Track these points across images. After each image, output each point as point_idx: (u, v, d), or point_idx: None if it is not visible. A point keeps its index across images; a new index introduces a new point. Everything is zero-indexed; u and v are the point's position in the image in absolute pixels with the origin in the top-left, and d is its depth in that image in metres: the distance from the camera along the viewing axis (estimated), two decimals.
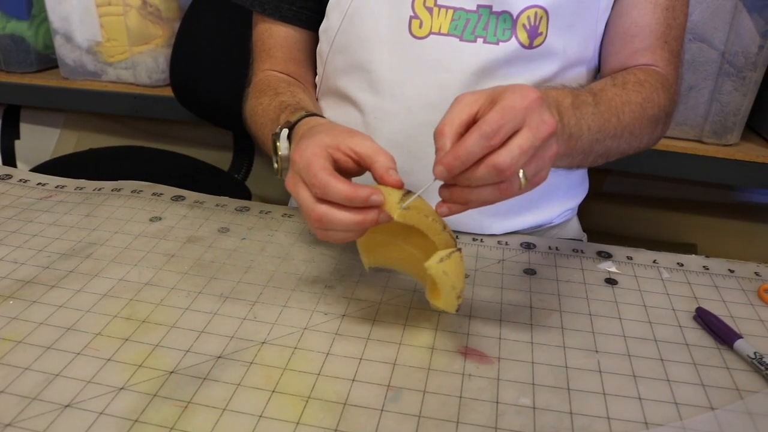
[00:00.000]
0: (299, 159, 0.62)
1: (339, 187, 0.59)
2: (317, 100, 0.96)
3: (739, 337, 0.67)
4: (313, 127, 0.69)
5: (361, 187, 0.59)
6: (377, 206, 0.60)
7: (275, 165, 0.75)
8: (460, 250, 0.62)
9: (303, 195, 0.62)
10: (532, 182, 0.61)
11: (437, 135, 0.60)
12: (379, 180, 0.62)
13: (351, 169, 0.64)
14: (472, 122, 0.60)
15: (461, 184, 0.60)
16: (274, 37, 0.93)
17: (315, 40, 0.92)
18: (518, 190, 0.60)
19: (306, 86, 0.95)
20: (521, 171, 0.58)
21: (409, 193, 0.62)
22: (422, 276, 0.69)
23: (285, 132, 0.73)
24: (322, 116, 0.76)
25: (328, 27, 0.87)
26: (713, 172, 1.37)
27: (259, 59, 0.96)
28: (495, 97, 0.59)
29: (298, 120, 0.74)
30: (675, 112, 0.88)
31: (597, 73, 0.90)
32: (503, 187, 0.59)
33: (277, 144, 0.73)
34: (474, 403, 0.59)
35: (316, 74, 0.96)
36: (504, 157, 0.56)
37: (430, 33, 0.81)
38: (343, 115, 0.90)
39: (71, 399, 0.58)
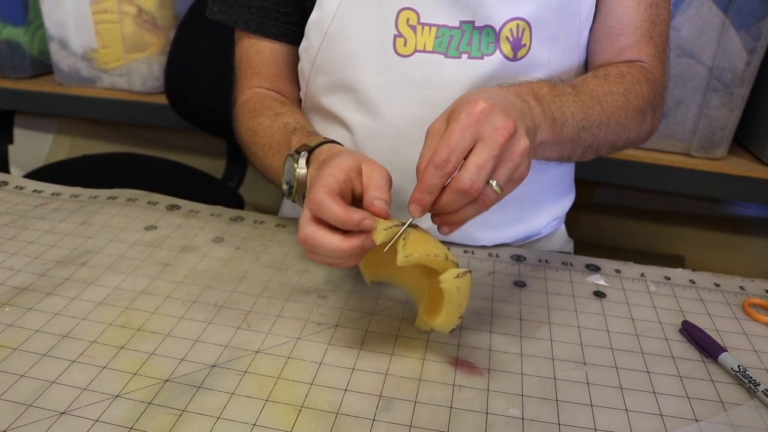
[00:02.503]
0: (318, 176, 0.64)
1: (332, 207, 0.60)
2: None
3: (724, 350, 0.69)
4: (336, 153, 0.70)
5: (355, 211, 0.61)
6: (368, 231, 0.61)
7: (284, 186, 0.76)
8: (469, 272, 0.63)
9: (304, 213, 0.63)
10: (513, 181, 0.63)
11: (417, 174, 0.62)
12: (365, 208, 0.63)
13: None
14: None
15: (441, 212, 0.63)
16: (260, 53, 0.93)
17: None
18: (496, 198, 0.62)
19: (297, 105, 0.95)
20: (492, 181, 0.60)
21: (400, 225, 0.64)
22: (419, 293, 0.70)
23: (305, 155, 0.74)
24: (340, 144, 0.77)
25: (308, 46, 0.87)
26: (701, 185, 1.39)
27: (245, 76, 0.95)
28: (450, 119, 0.62)
29: (318, 145, 0.75)
30: (663, 106, 0.89)
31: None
32: (479, 201, 0.61)
33: (295, 165, 0.74)
34: (464, 413, 0.60)
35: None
36: (464, 179, 0.59)
37: (415, 51, 0.81)
38: (330, 133, 0.90)
39: (67, 406, 0.59)
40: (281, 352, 0.67)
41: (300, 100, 0.97)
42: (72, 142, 2.09)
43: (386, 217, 0.63)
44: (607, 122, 0.79)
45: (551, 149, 0.74)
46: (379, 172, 0.65)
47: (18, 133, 2.11)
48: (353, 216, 0.60)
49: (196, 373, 0.64)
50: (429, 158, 0.60)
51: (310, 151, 0.74)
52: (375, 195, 0.63)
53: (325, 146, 0.75)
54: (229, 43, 0.98)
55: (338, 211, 0.60)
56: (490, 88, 0.67)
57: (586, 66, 0.91)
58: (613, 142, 0.82)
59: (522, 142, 0.61)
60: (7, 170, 2.07)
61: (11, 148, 2.11)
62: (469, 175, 0.59)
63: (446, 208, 0.62)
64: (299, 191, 0.74)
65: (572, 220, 1.05)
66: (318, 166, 0.71)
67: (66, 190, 1.00)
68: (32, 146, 2.11)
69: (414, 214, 0.62)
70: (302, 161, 0.74)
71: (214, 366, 0.65)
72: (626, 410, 0.62)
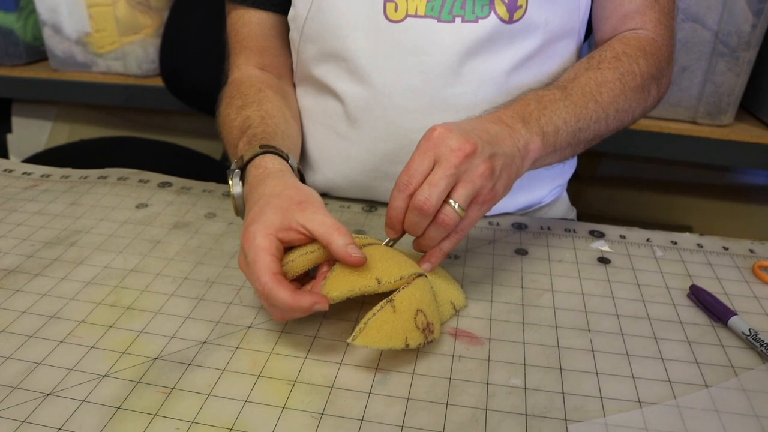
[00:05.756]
0: (248, 247, 0.60)
1: (281, 295, 0.58)
2: (295, 86, 0.94)
3: (734, 314, 0.66)
4: (262, 182, 0.68)
5: (304, 295, 0.59)
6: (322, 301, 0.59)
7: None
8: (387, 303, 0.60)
9: (260, 262, 0.60)
10: (478, 203, 0.64)
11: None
12: (340, 260, 0.61)
13: (304, 242, 0.63)
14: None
15: (411, 233, 0.65)
16: (247, 26, 0.90)
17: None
18: (458, 218, 0.62)
19: (279, 86, 0.92)
20: (453, 202, 0.62)
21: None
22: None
23: (238, 173, 0.72)
24: (277, 151, 0.73)
25: (296, 15, 0.85)
26: (707, 153, 1.35)
27: (233, 52, 0.93)
28: None
29: (252, 158, 0.72)
30: (671, 71, 0.87)
31: (584, 43, 0.89)
32: (439, 220, 0.62)
33: (230, 182, 0.72)
34: (464, 384, 0.58)
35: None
36: (417, 196, 0.61)
37: (407, 16, 0.79)
38: (322, 104, 0.88)
39: (53, 387, 0.57)
40: (274, 326, 0.65)
41: (292, 72, 0.94)
42: (71, 128, 2.08)
43: (363, 264, 0.61)
44: (605, 115, 0.77)
45: (550, 158, 0.74)
46: (322, 213, 0.62)
47: (16, 122, 2.09)
48: (302, 303, 0.58)
49: (186, 350, 0.62)
50: (396, 183, 0.63)
51: (243, 167, 0.72)
52: (345, 241, 0.60)
53: (254, 162, 0.71)
54: (223, 20, 0.95)
55: (288, 299, 0.58)
56: (464, 120, 0.69)
57: (587, 33, 0.88)
58: (617, 128, 0.81)
59: (482, 166, 0.62)
60: (6, 159, 2.05)
61: (10, 137, 2.09)
62: (422, 193, 0.61)
63: (412, 229, 0.64)
64: (238, 208, 0.72)
65: (577, 193, 1.02)
66: (249, 192, 0.69)
67: (56, 172, 0.98)
68: (31, 134, 2.09)
69: (390, 235, 0.66)
70: (236, 180, 0.72)
71: (204, 342, 0.63)
72: (633, 377, 0.59)
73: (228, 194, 0.92)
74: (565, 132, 0.72)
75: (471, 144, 0.61)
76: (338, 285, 0.60)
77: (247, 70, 0.91)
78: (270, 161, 0.71)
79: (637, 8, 0.83)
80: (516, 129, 0.68)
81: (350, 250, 0.60)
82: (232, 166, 0.73)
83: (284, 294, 0.58)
